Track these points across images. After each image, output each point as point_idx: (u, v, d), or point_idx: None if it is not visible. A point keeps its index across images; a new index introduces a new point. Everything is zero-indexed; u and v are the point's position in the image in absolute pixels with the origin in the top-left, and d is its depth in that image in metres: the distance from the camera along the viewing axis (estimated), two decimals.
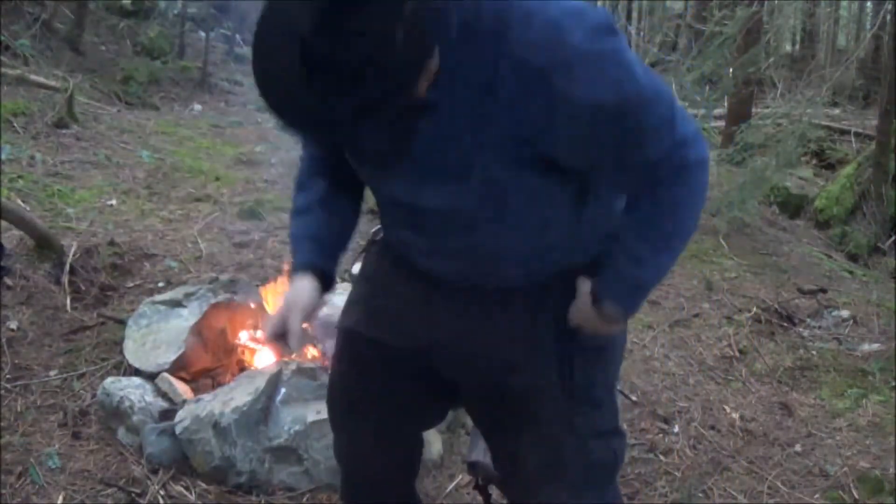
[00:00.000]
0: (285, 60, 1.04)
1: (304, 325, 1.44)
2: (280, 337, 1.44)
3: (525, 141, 1.19)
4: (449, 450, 2.68)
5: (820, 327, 3.86)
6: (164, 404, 2.64)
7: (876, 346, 3.64)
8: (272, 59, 1.06)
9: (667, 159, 1.25)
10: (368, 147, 1.19)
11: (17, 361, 2.91)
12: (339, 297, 3.06)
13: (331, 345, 2.85)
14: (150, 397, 2.65)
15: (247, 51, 11.43)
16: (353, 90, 1.03)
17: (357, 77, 1.02)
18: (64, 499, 2.34)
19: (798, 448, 2.89)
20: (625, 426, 2.03)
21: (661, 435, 2.93)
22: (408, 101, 1.08)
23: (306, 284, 1.45)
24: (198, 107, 8.18)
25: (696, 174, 1.29)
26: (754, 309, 3.92)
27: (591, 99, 1.14)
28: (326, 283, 1.49)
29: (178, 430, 2.48)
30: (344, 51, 1.01)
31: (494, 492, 1.97)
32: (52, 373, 2.91)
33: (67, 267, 3.44)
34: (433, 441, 2.60)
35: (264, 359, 2.86)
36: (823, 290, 4.28)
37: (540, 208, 1.30)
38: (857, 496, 2.60)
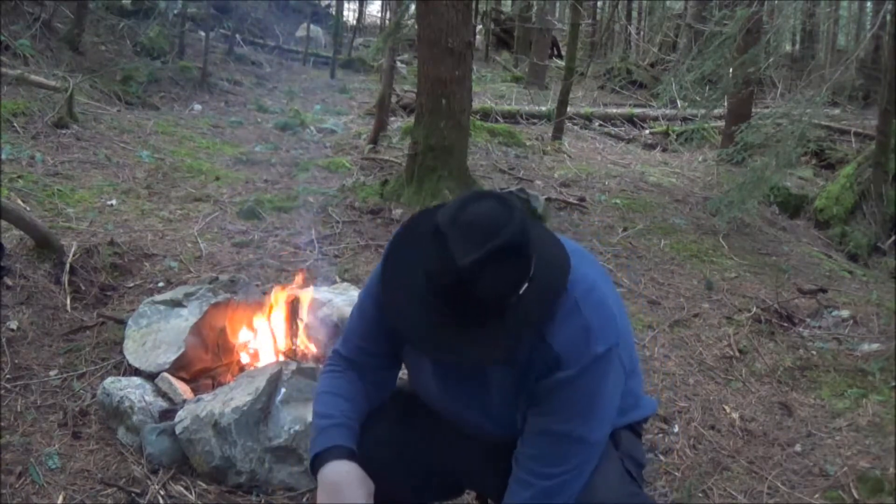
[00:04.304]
0: (430, 286, 1.42)
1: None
2: None
3: (529, 396, 1.56)
4: None
5: (820, 327, 3.86)
6: (164, 404, 2.64)
7: (876, 346, 3.63)
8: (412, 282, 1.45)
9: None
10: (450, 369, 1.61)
11: (17, 361, 2.91)
12: (340, 297, 3.08)
13: (331, 343, 2.86)
14: (150, 397, 2.65)
15: (247, 51, 11.45)
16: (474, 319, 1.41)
17: (481, 310, 1.41)
18: (64, 499, 2.34)
19: (798, 448, 2.89)
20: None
21: (661, 435, 2.93)
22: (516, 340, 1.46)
23: (353, 469, 1.60)
24: (198, 107, 8.18)
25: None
26: (754, 309, 3.92)
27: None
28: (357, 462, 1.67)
29: (178, 430, 2.48)
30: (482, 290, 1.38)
31: None
32: (52, 373, 2.91)
33: (67, 267, 3.45)
34: None
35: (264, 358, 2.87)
36: (823, 290, 4.27)
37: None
38: (857, 496, 2.60)
